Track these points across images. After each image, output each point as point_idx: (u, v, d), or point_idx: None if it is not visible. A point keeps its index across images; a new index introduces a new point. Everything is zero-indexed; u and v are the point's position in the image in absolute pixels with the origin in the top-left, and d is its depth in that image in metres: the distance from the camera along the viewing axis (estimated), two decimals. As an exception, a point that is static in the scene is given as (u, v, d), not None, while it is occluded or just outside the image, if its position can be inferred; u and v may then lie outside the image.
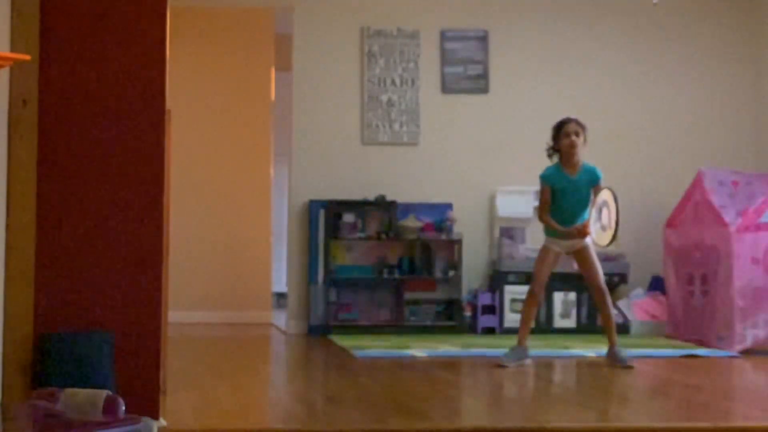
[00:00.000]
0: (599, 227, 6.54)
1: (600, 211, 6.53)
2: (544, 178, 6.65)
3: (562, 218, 6.62)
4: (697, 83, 9.37)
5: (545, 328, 8.56)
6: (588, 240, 6.66)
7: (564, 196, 6.63)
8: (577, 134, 6.63)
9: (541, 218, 6.69)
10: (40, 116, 4.27)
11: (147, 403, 4.25)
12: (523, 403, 5.57)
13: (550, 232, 6.70)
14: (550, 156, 6.75)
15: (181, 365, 6.31)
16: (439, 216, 8.81)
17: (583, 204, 6.64)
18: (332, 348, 7.70)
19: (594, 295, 6.81)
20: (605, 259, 8.22)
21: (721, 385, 6.19)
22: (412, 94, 9.02)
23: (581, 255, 6.67)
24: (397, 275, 8.71)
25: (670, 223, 8.45)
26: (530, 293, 6.71)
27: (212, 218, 9.78)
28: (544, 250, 6.69)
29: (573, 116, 6.77)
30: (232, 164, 9.87)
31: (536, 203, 8.79)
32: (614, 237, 6.46)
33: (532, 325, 6.78)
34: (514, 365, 6.52)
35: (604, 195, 6.53)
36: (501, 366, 6.49)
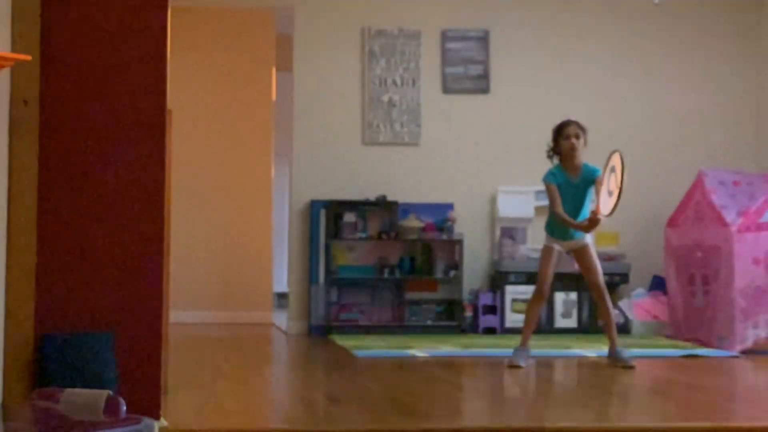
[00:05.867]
0: (606, 194, 6.45)
1: (609, 176, 6.45)
2: (548, 179, 6.63)
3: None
4: (698, 83, 9.37)
5: (546, 327, 8.56)
6: (588, 239, 6.67)
7: (564, 198, 6.61)
8: (577, 137, 6.62)
9: (557, 214, 6.57)
10: (41, 116, 4.27)
11: (148, 403, 4.25)
12: (524, 402, 5.57)
13: (551, 231, 6.70)
14: (550, 158, 6.74)
15: (181, 365, 6.32)
16: (440, 216, 8.81)
17: (583, 205, 6.63)
18: (333, 348, 7.70)
19: (593, 294, 6.81)
20: (606, 259, 8.23)
21: (721, 386, 6.19)
22: (413, 94, 9.03)
23: (581, 254, 6.66)
24: (398, 275, 8.72)
25: (671, 223, 8.45)
26: (537, 293, 6.68)
27: (213, 218, 9.79)
28: (546, 250, 6.68)
29: (573, 118, 6.76)
30: (233, 164, 9.88)
31: (537, 203, 8.83)
32: (616, 204, 6.35)
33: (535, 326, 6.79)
34: (524, 364, 6.51)
35: (613, 160, 6.44)
36: (515, 366, 6.47)
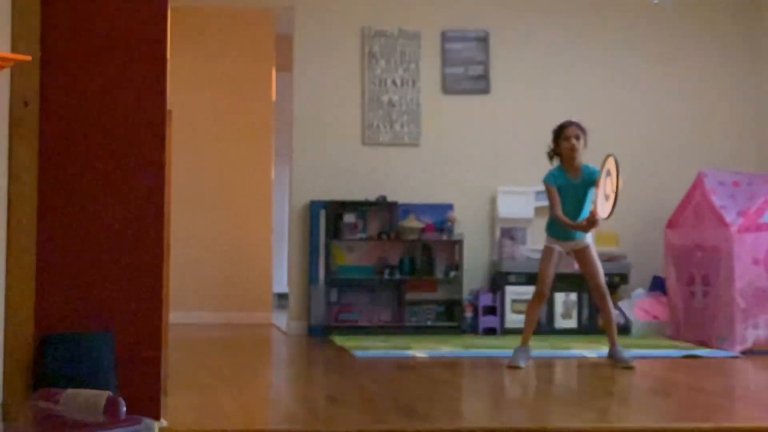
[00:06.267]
0: (603, 197, 6.46)
1: (605, 180, 6.45)
2: (548, 180, 6.64)
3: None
4: (698, 84, 9.37)
5: (547, 328, 8.56)
6: (589, 239, 6.67)
7: (565, 199, 6.61)
8: (577, 138, 6.62)
9: (556, 216, 6.58)
10: (41, 117, 4.27)
11: (148, 404, 4.25)
12: (524, 403, 5.57)
13: (551, 232, 6.70)
14: (550, 158, 6.74)
15: (181, 366, 6.31)
16: (440, 216, 8.81)
17: (583, 206, 6.63)
18: (333, 348, 7.70)
19: (594, 295, 6.81)
20: (606, 259, 8.22)
21: (722, 386, 6.19)
22: (413, 95, 9.03)
23: (582, 255, 6.67)
24: (397, 276, 8.71)
25: (671, 224, 8.45)
26: (538, 294, 6.68)
27: (213, 218, 9.78)
28: (547, 251, 6.68)
29: (574, 119, 6.76)
30: (233, 165, 9.87)
31: (537, 204, 8.82)
32: (613, 208, 6.36)
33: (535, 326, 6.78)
34: (524, 365, 6.51)
35: (608, 164, 6.45)
36: (514, 367, 6.47)
